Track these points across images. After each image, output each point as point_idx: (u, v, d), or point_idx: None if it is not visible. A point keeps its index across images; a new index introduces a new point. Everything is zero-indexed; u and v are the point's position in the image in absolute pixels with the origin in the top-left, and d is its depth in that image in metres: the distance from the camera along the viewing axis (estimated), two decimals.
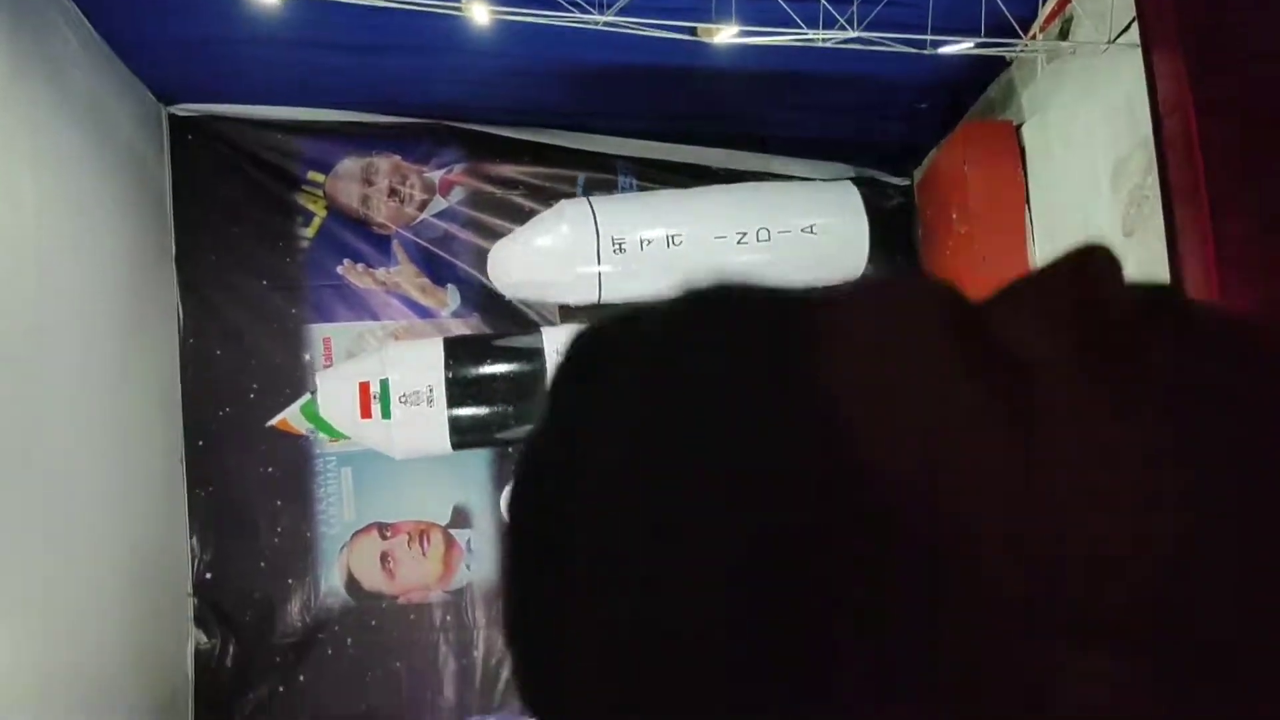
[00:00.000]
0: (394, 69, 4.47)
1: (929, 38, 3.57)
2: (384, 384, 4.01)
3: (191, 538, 4.81)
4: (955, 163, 4.50)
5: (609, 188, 5.03)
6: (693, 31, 3.50)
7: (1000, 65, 4.24)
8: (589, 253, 4.14)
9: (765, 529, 0.33)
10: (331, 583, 4.88)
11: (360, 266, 5.02)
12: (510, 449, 4.56)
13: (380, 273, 5.03)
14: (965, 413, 0.34)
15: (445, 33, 3.80)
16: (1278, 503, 0.33)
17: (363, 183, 5.04)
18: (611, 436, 0.36)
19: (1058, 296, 0.36)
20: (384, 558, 4.91)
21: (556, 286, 4.28)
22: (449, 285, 5.05)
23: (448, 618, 4.92)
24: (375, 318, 5.00)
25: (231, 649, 4.81)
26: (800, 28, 3.48)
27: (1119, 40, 3.34)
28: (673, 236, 4.16)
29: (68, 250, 3.94)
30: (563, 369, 0.41)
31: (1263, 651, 0.32)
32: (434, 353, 4.11)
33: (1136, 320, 0.36)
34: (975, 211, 4.43)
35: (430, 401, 4.00)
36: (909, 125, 4.89)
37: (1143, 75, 2.52)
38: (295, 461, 4.91)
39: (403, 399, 3.99)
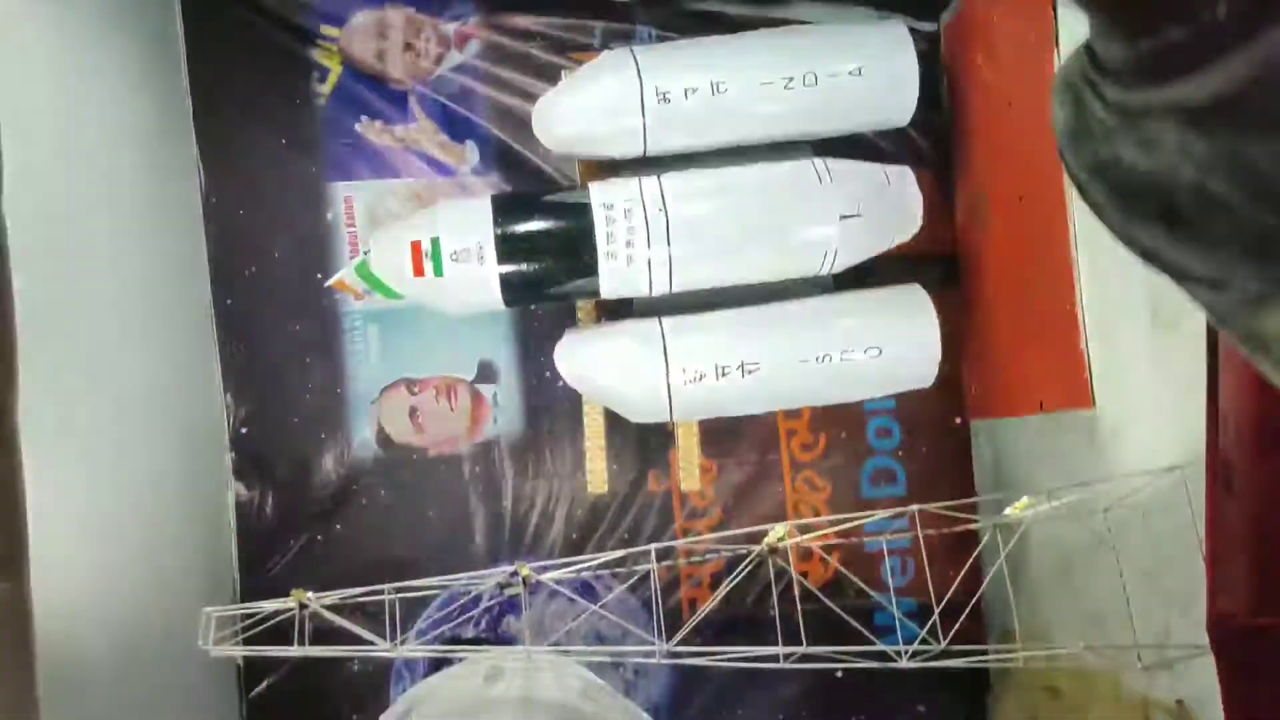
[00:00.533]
0: None
1: None
2: (435, 242, 3.99)
3: (226, 394, 4.94)
4: (985, 4, 4.38)
5: (626, 38, 4.93)
6: None
7: None
8: (633, 104, 4.04)
9: None
10: (363, 436, 5.02)
11: (378, 124, 4.98)
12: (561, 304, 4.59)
13: (398, 129, 4.98)
14: None
15: None
16: None
17: (378, 36, 4.95)
18: None
19: None
20: (413, 412, 5.03)
21: (601, 141, 4.19)
22: (468, 141, 5.01)
23: (477, 469, 5.06)
24: (396, 175, 4.98)
25: (270, 500, 4.99)
26: None
27: None
28: (718, 84, 4.02)
29: (90, 109, 3.93)
30: None
31: None
32: (482, 210, 4.08)
33: None
34: (1002, 57, 4.34)
35: (481, 259, 3.99)
36: None
37: None
38: (323, 319, 4.98)
39: (454, 256, 3.98)
